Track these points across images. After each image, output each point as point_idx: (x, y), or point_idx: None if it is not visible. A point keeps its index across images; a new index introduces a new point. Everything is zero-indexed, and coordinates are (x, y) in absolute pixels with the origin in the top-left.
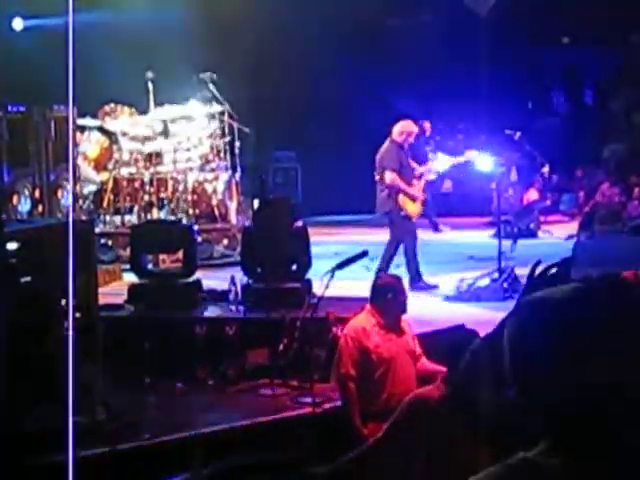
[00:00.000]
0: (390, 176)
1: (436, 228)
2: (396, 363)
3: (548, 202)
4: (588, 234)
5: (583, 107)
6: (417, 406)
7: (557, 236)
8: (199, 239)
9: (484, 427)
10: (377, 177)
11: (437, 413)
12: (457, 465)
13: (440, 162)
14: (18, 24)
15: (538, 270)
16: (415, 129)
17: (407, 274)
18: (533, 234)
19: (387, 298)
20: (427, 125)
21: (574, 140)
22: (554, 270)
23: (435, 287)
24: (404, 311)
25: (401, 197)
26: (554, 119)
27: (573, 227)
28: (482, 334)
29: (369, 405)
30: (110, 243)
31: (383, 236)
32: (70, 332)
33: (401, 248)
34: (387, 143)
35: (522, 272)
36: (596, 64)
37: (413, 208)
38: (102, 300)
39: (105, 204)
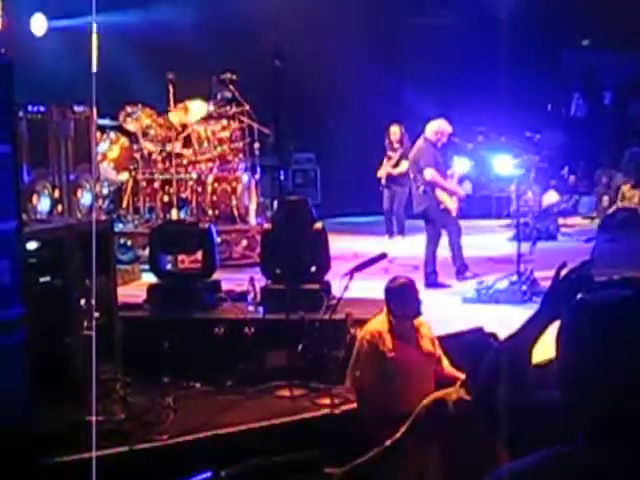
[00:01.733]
0: (430, 172)
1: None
2: (412, 366)
3: (564, 205)
4: (608, 237)
5: (603, 109)
6: (435, 409)
7: (576, 238)
8: (218, 240)
9: (503, 430)
10: (412, 175)
11: (455, 417)
12: (474, 469)
13: (459, 165)
14: (40, 27)
15: (563, 272)
16: (449, 129)
17: (453, 266)
18: (552, 236)
19: (400, 301)
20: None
21: (593, 143)
22: (576, 272)
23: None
24: (419, 313)
25: (439, 192)
26: (573, 122)
27: (592, 229)
28: (501, 337)
29: (385, 408)
30: (129, 243)
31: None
32: (91, 332)
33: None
34: (421, 142)
35: (541, 275)
36: (615, 66)
37: (452, 203)
38: (121, 300)
39: (125, 204)
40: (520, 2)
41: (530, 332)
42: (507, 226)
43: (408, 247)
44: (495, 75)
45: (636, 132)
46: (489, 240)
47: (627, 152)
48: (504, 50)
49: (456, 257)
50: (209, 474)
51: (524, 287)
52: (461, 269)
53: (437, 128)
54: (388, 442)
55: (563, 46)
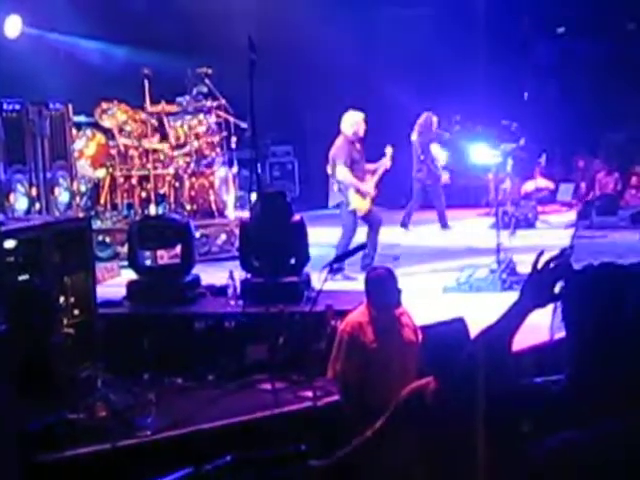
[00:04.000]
0: (342, 171)
1: (445, 225)
2: (394, 356)
3: (546, 192)
4: (586, 223)
5: (579, 97)
6: (413, 399)
7: (555, 226)
8: (197, 234)
9: (478, 420)
10: (329, 171)
11: (434, 406)
12: (455, 457)
13: (440, 155)
14: (14, 29)
15: (541, 261)
16: (362, 123)
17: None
18: (531, 224)
19: (379, 291)
20: (434, 119)
21: (571, 130)
22: (555, 261)
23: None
24: (398, 304)
25: (351, 192)
26: (550, 109)
27: (571, 217)
28: (481, 325)
29: (367, 399)
30: (108, 240)
31: (382, 230)
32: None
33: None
34: (339, 138)
35: (521, 262)
36: (592, 53)
37: (362, 204)
38: (100, 297)
39: (102, 201)
40: None
41: (510, 321)
42: (486, 215)
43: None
44: (471, 64)
45: (613, 119)
46: (468, 229)
47: (604, 138)
48: (479, 39)
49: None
50: (191, 469)
51: (504, 275)
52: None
53: (352, 121)
54: (369, 433)
55: (538, 34)
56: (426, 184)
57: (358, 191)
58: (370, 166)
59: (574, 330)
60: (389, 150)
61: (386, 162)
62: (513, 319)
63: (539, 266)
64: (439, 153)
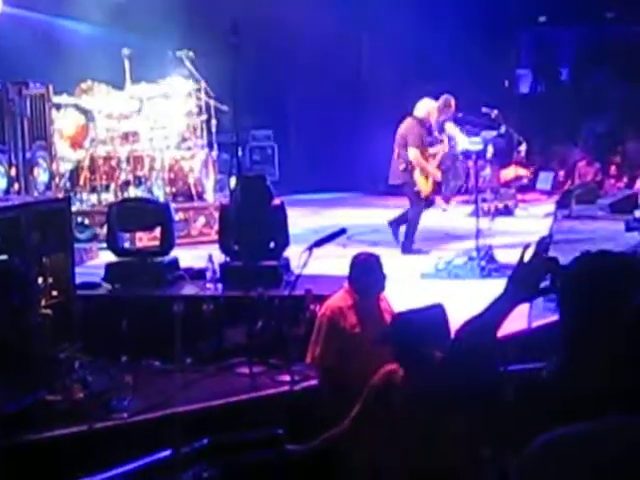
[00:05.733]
0: (414, 153)
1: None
2: (374, 342)
3: (525, 180)
4: (566, 213)
5: (559, 85)
6: (386, 383)
7: (534, 214)
8: (176, 217)
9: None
10: (396, 150)
11: (402, 389)
12: (429, 439)
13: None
14: None
15: (527, 255)
16: (435, 111)
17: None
18: (510, 212)
19: (364, 277)
20: (452, 101)
21: (551, 118)
22: (540, 256)
23: (425, 252)
24: (382, 289)
25: (417, 173)
26: (530, 97)
27: (550, 205)
28: (459, 313)
29: (346, 384)
30: (87, 221)
31: (360, 214)
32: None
33: None
34: (409, 120)
35: (499, 249)
36: (572, 42)
37: (425, 185)
38: (79, 279)
39: (81, 182)
40: None
41: (495, 314)
42: (465, 202)
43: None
44: (452, 52)
45: (593, 108)
46: (447, 216)
47: (584, 128)
48: (461, 27)
49: (407, 234)
50: (169, 452)
51: (482, 263)
52: (406, 247)
53: (427, 106)
54: (347, 419)
55: (519, 23)
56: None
57: (423, 172)
58: (430, 150)
59: (570, 318)
60: (445, 137)
61: (444, 147)
62: (498, 312)
63: (525, 259)
64: (457, 134)
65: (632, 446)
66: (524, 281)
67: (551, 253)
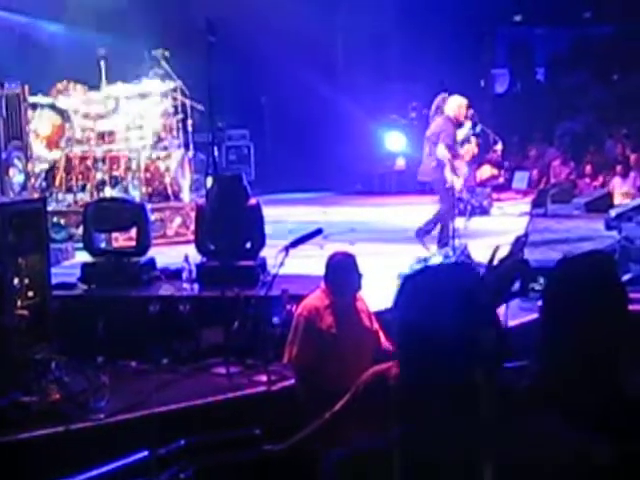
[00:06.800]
0: (442, 151)
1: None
2: (350, 342)
3: (501, 179)
4: (541, 212)
5: (535, 85)
6: (375, 383)
7: (510, 213)
8: (152, 217)
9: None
10: (427, 147)
11: (394, 390)
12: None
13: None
14: None
15: (497, 257)
16: (465, 108)
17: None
18: (486, 211)
19: (340, 276)
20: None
21: (526, 118)
22: (511, 258)
23: (427, 248)
24: (358, 289)
25: (447, 170)
26: (506, 97)
27: (526, 204)
28: None
29: (323, 384)
30: (62, 222)
31: (335, 214)
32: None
33: None
34: (440, 118)
35: (475, 249)
36: (548, 42)
37: (457, 181)
38: (55, 279)
39: (57, 182)
40: None
41: None
42: None
43: None
44: (428, 51)
45: (569, 107)
46: (424, 215)
47: (559, 127)
48: (437, 26)
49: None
50: (146, 453)
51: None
52: (420, 233)
53: (457, 104)
54: (327, 415)
55: (496, 22)
56: None
57: (453, 169)
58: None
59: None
60: (474, 138)
61: (473, 148)
62: None
63: (495, 262)
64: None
65: (413, 457)
66: (495, 285)
67: (527, 252)
